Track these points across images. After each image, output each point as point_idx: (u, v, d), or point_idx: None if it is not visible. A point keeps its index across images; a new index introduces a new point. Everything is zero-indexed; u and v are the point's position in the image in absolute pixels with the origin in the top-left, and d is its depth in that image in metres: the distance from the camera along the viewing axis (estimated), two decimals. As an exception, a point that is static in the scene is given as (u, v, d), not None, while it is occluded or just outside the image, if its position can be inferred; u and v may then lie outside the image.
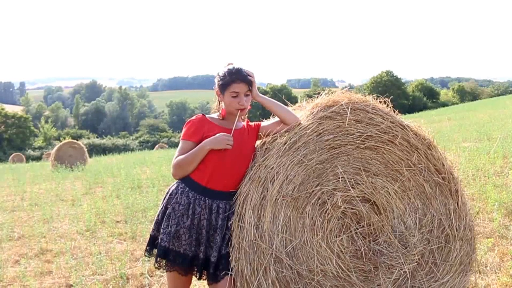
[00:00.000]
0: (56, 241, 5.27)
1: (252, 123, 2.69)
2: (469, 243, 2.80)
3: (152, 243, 2.51)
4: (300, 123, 2.62)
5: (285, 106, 2.63)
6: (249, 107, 2.56)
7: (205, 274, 2.48)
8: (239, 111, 2.50)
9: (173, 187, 2.51)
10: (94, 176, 11.04)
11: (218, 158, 2.42)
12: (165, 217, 2.45)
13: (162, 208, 2.50)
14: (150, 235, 2.53)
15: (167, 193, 2.52)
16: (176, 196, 2.45)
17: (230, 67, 2.51)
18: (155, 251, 2.47)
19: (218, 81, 2.52)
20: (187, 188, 2.45)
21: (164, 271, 2.51)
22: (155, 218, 2.53)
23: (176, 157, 2.47)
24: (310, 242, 2.58)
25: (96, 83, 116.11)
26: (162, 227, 2.45)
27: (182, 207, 2.42)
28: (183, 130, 2.52)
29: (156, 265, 2.47)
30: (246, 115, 2.69)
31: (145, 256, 2.54)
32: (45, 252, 4.91)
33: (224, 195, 2.48)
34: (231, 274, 2.42)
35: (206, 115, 2.57)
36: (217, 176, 2.44)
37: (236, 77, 2.45)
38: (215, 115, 2.60)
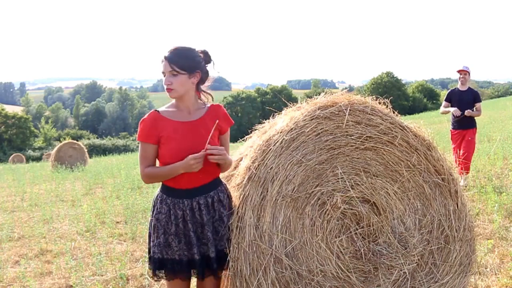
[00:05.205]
0: (56, 242, 5.26)
1: (222, 120, 2.46)
2: (468, 244, 2.80)
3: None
4: (296, 122, 2.60)
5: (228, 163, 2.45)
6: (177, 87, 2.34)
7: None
8: (216, 122, 2.39)
9: (155, 197, 2.48)
10: (94, 176, 11.03)
11: (180, 159, 2.33)
12: (152, 229, 2.43)
13: (149, 221, 2.48)
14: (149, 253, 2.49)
15: (152, 205, 2.49)
16: (157, 206, 2.42)
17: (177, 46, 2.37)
18: None
19: None
20: (164, 196, 2.41)
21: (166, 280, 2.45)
22: (148, 232, 2.51)
23: (141, 163, 2.38)
24: (309, 243, 2.58)
25: (96, 83, 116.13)
26: (151, 239, 2.43)
27: (164, 215, 2.38)
28: (138, 129, 2.43)
29: (156, 279, 2.43)
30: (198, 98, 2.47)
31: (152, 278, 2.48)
32: (45, 253, 4.91)
33: (200, 190, 2.39)
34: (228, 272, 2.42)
35: (160, 109, 2.45)
36: (186, 176, 2.35)
37: (163, 56, 2.34)
38: (170, 105, 2.47)
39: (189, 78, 2.35)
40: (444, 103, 6.68)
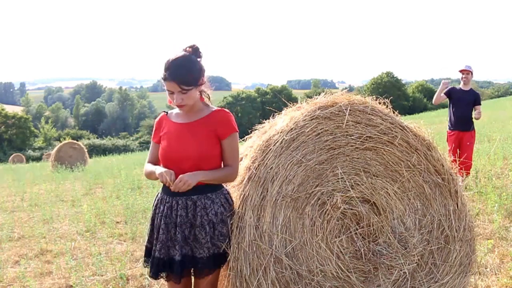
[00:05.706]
0: (56, 242, 5.26)
1: (225, 125, 2.38)
2: (468, 244, 2.80)
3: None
4: (296, 122, 2.60)
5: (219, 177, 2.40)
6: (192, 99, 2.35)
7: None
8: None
9: None
10: (94, 176, 11.04)
11: (163, 158, 2.41)
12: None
13: None
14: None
15: None
16: (154, 199, 2.52)
17: (171, 57, 2.31)
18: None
19: None
20: (161, 189, 2.49)
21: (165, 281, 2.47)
22: None
23: (148, 157, 2.54)
24: (309, 243, 2.58)
25: (96, 83, 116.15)
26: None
27: (154, 207, 2.48)
28: None
29: (145, 265, 2.49)
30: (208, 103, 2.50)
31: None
32: (45, 253, 4.92)
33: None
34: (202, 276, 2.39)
35: (169, 111, 2.53)
36: None
37: (166, 75, 2.27)
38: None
39: (196, 89, 2.35)
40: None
